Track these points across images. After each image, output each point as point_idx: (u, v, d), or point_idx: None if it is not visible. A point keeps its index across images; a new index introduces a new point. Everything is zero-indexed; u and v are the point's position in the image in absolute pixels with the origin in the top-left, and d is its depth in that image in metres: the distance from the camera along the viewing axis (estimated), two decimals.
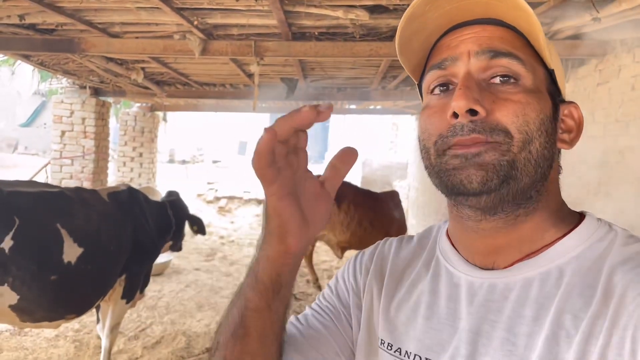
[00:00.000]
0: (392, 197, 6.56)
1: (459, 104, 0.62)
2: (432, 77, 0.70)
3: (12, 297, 2.79)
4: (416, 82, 0.77)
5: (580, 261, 0.64)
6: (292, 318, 0.81)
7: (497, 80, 0.66)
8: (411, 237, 0.85)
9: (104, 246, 3.19)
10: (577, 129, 0.71)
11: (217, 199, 10.84)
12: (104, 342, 3.69)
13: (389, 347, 0.73)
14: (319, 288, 6.35)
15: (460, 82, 0.65)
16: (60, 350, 4.36)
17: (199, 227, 4.48)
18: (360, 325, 0.79)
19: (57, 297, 2.97)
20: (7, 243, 2.71)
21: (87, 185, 6.62)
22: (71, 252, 2.98)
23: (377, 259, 0.83)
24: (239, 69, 4.98)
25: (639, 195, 3.07)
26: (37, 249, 2.85)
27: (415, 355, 0.70)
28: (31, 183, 3.27)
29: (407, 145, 10.84)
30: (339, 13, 2.94)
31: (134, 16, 3.31)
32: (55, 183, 6.68)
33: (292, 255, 0.64)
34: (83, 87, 6.57)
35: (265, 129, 0.58)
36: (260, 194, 11.17)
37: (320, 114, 0.58)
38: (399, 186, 10.06)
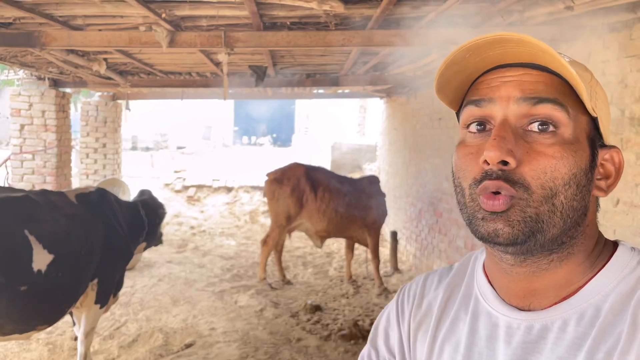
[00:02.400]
0: (369, 182, 6.55)
1: (491, 154, 0.63)
2: (469, 114, 0.70)
3: None
4: (454, 111, 0.77)
5: (614, 297, 0.65)
6: None
7: (536, 127, 0.65)
8: (450, 268, 0.85)
9: (75, 251, 3.08)
10: (616, 175, 0.70)
11: (186, 188, 10.65)
12: (80, 348, 3.59)
13: None
14: (288, 282, 6.30)
15: (495, 130, 0.65)
16: (34, 354, 4.24)
17: (159, 218, 4.35)
18: None
19: (27, 308, 2.86)
20: None
21: (50, 180, 6.40)
22: (41, 259, 2.87)
23: (416, 304, 0.83)
24: (206, 58, 4.84)
25: None
26: (5, 259, 2.72)
27: None
28: None
29: (375, 128, 10.86)
30: (314, 4, 2.87)
31: (97, 9, 3.16)
32: (16, 179, 6.43)
33: None
34: (41, 79, 6.30)
35: None
36: (230, 181, 11.04)
37: None
38: (369, 169, 10.10)
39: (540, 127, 0.65)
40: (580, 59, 3.18)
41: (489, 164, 0.64)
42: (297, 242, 8.06)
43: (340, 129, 13.88)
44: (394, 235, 7.07)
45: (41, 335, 4.50)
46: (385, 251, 7.17)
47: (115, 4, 3.05)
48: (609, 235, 3.16)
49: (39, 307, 2.88)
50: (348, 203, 6.14)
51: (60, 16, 3.42)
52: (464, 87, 0.73)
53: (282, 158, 13.22)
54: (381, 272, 6.56)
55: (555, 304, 0.67)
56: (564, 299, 0.67)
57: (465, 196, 0.69)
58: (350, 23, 3.56)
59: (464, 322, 0.75)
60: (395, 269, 6.97)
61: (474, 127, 0.69)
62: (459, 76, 0.71)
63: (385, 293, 5.94)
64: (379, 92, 8.03)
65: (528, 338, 0.67)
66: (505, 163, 0.63)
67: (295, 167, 6.39)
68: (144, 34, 3.61)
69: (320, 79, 6.28)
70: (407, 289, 0.86)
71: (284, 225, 6.14)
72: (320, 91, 8.39)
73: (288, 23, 3.59)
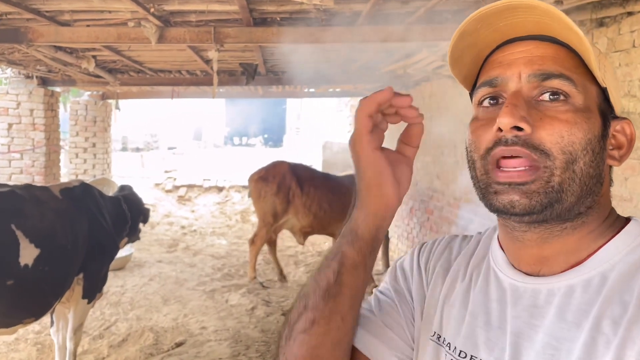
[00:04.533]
0: (353, 180, 6.52)
1: (504, 120, 0.64)
2: (482, 92, 0.71)
3: None
4: (468, 91, 0.78)
5: (622, 266, 0.65)
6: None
7: (547, 97, 0.66)
8: (471, 236, 0.87)
9: (61, 245, 3.06)
10: (628, 145, 0.71)
11: (176, 187, 10.60)
12: (68, 345, 3.56)
13: (439, 339, 0.76)
14: (284, 278, 6.28)
15: (508, 98, 0.66)
16: (22, 354, 4.19)
17: (144, 217, 4.31)
18: (422, 315, 0.82)
19: (14, 302, 2.84)
20: None
21: (39, 179, 6.33)
22: (28, 254, 2.85)
23: (444, 256, 0.84)
24: (196, 55, 4.81)
25: None
26: None
27: (461, 351, 0.72)
28: None
29: None
30: None
31: (84, 4, 3.13)
32: (4, 178, 6.35)
33: (391, 208, 0.72)
34: (29, 77, 6.23)
35: (388, 87, 0.70)
36: (221, 181, 10.99)
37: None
38: None
39: (551, 96, 0.66)
40: None
41: (502, 131, 0.65)
42: (289, 241, 8.03)
43: (332, 129, 13.87)
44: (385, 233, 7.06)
45: (30, 335, 4.45)
46: None
47: None
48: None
49: (25, 301, 2.86)
50: (332, 199, 6.13)
51: (47, 11, 3.39)
52: (476, 64, 0.74)
53: (273, 158, 13.18)
54: (373, 270, 6.56)
55: (564, 270, 0.68)
56: (573, 266, 0.68)
57: (477, 169, 0.70)
58: (340, 19, 3.55)
59: (475, 284, 0.77)
60: (387, 267, 6.97)
61: (486, 102, 0.71)
62: (472, 50, 0.72)
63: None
64: (370, 90, 8.02)
65: (534, 302, 0.68)
66: (519, 130, 0.64)
67: (279, 164, 6.38)
68: (133, 30, 3.59)
69: (311, 76, 6.26)
70: (428, 245, 0.88)
71: (271, 223, 6.12)
72: (311, 90, 8.37)
73: (278, 19, 3.58)
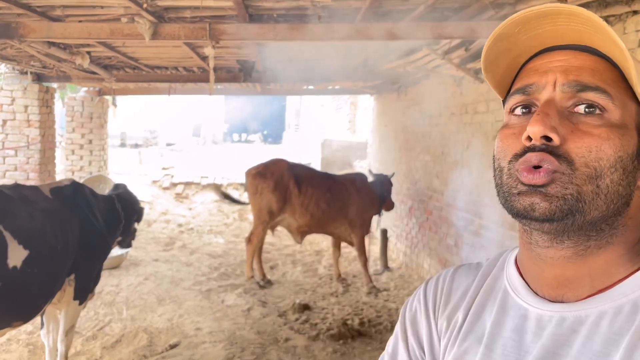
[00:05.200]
0: (352, 180, 6.47)
1: (534, 129, 0.62)
2: (515, 100, 0.69)
3: None
4: (501, 98, 0.76)
5: None
6: None
7: (582, 109, 0.64)
8: (479, 264, 0.83)
9: (51, 246, 2.99)
10: None
11: (174, 185, 10.52)
12: (59, 347, 3.49)
13: None
14: (269, 283, 6.13)
15: (540, 107, 0.65)
16: (13, 355, 4.12)
17: (138, 216, 4.23)
18: None
19: (2, 305, 2.77)
20: None
21: (34, 176, 6.26)
22: (16, 255, 2.77)
23: (444, 300, 0.81)
24: (192, 52, 4.74)
25: None
26: None
27: None
28: None
29: (366, 125, 10.79)
30: None
31: None
32: None
33: None
34: (24, 73, 6.15)
35: None
36: (219, 178, 10.91)
37: None
38: (359, 166, 10.02)
39: (586, 109, 0.63)
40: None
41: (531, 139, 0.63)
42: (287, 240, 7.96)
43: (331, 126, 13.80)
44: (384, 233, 7.00)
45: (22, 335, 4.38)
46: (375, 249, 7.09)
47: None
48: None
49: (14, 304, 2.78)
50: (330, 199, 6.06)
51: (38, 6, 3.31)
52: (512, 70, 0.72)
53: (272, 155, 13.12)
54: (371, 270, 6.49)
55: (590, 296, 0.65)
56: (600, 291, 0.65)
57: (503, 174, 0.67)
58: (338, 15, 3.47)
59: (490, 314, 0.73)
60: (386, 267, 6.91)
61: (518, 110, 0.68)
62: (508, 55, 0.70)
63: (375, 291, 5.86)
64: (369, 88, 7.94)
65: (559, 330, 0.64)
66: (548, 139, 0.62)
67: (278, 161, 6.32)
68: (126, 26, 3.51)
69: (310, 73, 6.19)
70: (433, 283, 0.84)
71: (267, 221, 6.05)
72: (310, 87, 8.30)
73: (275, 15, 3.50)
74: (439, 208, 5.78)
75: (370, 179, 6.65)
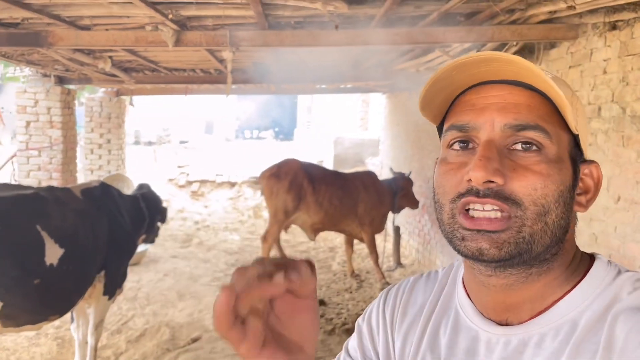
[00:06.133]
0: (362, 178, 6.59)
1: (477, 175, 0.63)
2: (452, 136, 0.69)
3: None
4: (435, 125, 0.77)
5: (589, 313, 0.64)
6: None
7: (519, 146, 0.65)
8: (436, 275, 0.85)
9: (83, 244, 3.16)
10: (595, 189, 0.71)
11: (189, 183, 10.71)
12: (89, 340, 3.67)
13: None
14: None
15: (480, 150, 0.65)
16: (43, 348, 4.31)
17: (162, 217, 4.40)
18: None
19: (41, 300, 2.94)
20: None
21: (56, 176, 6.46)
22: (53, 253, 2.94)
23: (410, 309, 0.83)
24: (210, 55, 4.89)
25: (606, 176, 3.19)
26: (20, 254, 2.80)
27: None
28: (4, 186, 3.17)
29: (377, 122, 10.89)
30: (318, 5, 2.91)
31: (104, 10, 3.20)
32: (23, 175, 6.49)
33: None
34: (47, 76, 6.34)
35: (222, 289, 0.52)
36: (233, 176, 11.09)
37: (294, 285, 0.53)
38: (371, 163, 10.13)
39: (524, 145, 0.65)
40: (582, 57, 3.21)
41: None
42: (301, 237, 8.11)
43: (343, 123, 13.91)
44: (396, 230, 7.13)
45: (50, 330, 4.57)
46: (388, 246, 7.22)
47: (122, 5, 3.10)
48: (610, 232, 3.21)
49: (51, 299, 2.96)
50: (342, 196, 6.19)
51: (67, 17, 3.47)
52: (447, 102, 0.72)
53: (285, 152, 13.26)
54: (384, 267, 6.62)
55: (531, 318, 0.68)
56: (540, 313, 0.67)
57: (444, 212, 0.68)
58: (353, 22, 3.60)
59: (444, 333, 0.76)
60: (398, 263, 7.03)
61: (456, 146, 0.69)
62: (444, 92, 0.70)
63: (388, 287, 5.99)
64: (381, 87, 8.05)
65: (506, 353, 0.67)
66: (492, 182, 0.63)
67: (291, 161, 6.45)
68: (150, 34, 3.66)
69: (323, 73, 6.31)
70: (393, 293, 0.86)
71: (282, 220, 6.20)
72: (323, 86, 8.42)
73: (292, 22, 3.63)
74: None
75: (390, 176, 6.76)
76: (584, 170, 0.70)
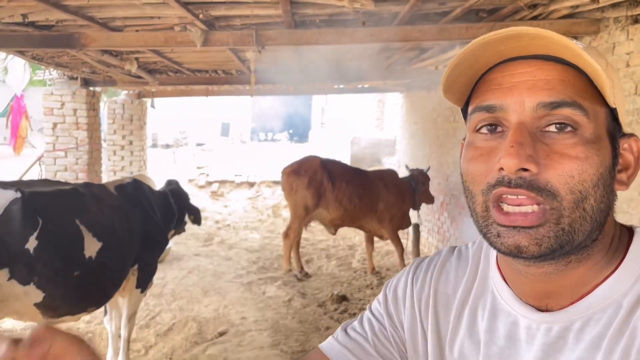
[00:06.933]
0: (381, 176, 6.65)
1: (509, 162, 0.59)
2: (479, 118, 0.65)
3: (38, 296, 2.85)
4: (460, 107, 0.73)
5: (631, 296, 0.63)
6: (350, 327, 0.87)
7: (554, 127, 0.61)
8: (467, 253, 0.82)
9: (119, 238, 3.27)
10: (635, 164, 0.67)
11: (209, 183, 10.86)
12: (123, 332, 3.77)
13: None
14: (307, 275, 6.39)
15: (512, 135, 0.60)
16: None
17: (195, 217, 4.52)
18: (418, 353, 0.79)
19: (80, 291, 3.05)
20: (32, 243, 2.76)
21: (82, 176, 6.61)
22: (91, 247, 3.05)
23: (441, 290, 0.80)
24: (234, 55, 4.99)
25: None
26: (61, 247, 2.91)
27: None
28: (44, 182, 3.30)
29: (393, 122, 10.94)
30: (345, 2, 2.99)
31: (137, 11, 3.31)
32: (50, 176, 6.65)
33: None
34: (73, 78, 6.50)
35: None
36: (252, 176, 11.22)
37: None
38: (388, 163, 10.18)
39: (558, 126, 0.61)
40: (604, 52, 3.26)
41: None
42: (320, 235, 8.20)
43: (358, 123, 13.97)
44: (416, 227, 7.17)
45: (80, 324, 4.69)
46: (407, 243, 7.27)
47: (155, 5, 3.21)
48: (635, 223, 3.23)
49: (89, 291, 3.07)
50: (362, 193, 6.25)
51: (100, 18, 3.59)
52: (471, 82, 0.67)
53: (300, 154, 13.31)
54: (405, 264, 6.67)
55: (572, 303, 0.66)
56: (581, 297, 0.65)
57: (476, 203, 0.65)
58: (378, 19, 3.67)
59: (482, 318, 0.73)
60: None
61: (485, 129, 0.65)
62: (467, 72, 0.66)
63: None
64: (399, 86, 8.11)
65: (547, 340, 0.66)
66: (525, 169, 0.59)
67: (311, 158, 6.52)
68: (179, 34, 3.77)
69: (342, 72, 6.39)
70: (423, 268, 0.84)
71: (303, 216, 6.27)
72: (341, 86, 8.50)
73: (317, 20, 3.72)
74: None
75: (406, 173, 6.81)
76: (623, 144, 0.65)
